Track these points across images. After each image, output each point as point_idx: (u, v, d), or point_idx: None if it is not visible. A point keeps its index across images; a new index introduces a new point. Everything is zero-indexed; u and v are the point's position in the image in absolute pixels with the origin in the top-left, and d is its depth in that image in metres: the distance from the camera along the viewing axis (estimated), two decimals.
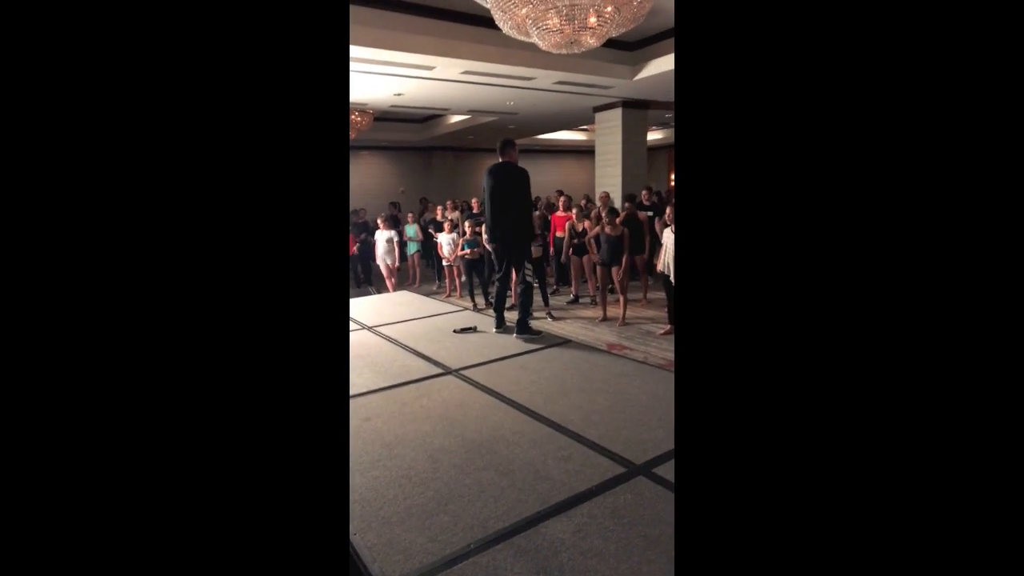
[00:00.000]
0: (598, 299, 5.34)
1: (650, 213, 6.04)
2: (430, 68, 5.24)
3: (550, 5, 3.36)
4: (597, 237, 4.87)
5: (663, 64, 5.72)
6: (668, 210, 4.33)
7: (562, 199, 6.54)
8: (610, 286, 4.98)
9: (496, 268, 4.09)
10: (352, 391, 2.75)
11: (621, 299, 4.76)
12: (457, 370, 3.08)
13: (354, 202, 8.14)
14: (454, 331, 3.99)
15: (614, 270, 4.73)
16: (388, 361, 3.27)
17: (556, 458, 2.01)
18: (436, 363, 3.22)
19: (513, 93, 6.68)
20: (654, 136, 11.59)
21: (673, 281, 4.13)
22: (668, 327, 4.37)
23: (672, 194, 10.85)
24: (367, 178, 11.64)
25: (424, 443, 2.17)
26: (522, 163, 4.05)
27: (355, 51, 4.49)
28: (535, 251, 4.82)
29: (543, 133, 11.12)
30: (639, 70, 5.99)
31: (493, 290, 5.94)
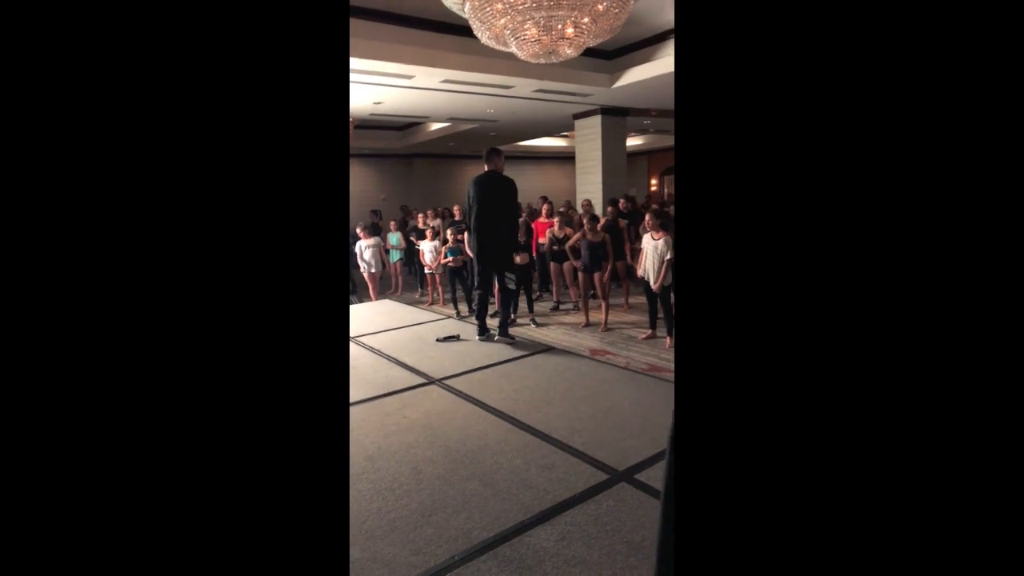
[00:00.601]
0: (579, 305, 5.38)
1: (626, 221, 6.11)
2: (410, 77, 5.25)
3: (527, 16, 3.40)
4: (578, 243, 4.91)
5: (640, 72, 5.81)
6: (647, 216, 4.39)
7: (546, 206, 6.58)
8: (592, 292, 5.02)
9: (478, 275, 4.10)
10: None
11: (603, 304, 4.80)
12: (440, 379, 3.08)
13: None
14: (437, 340, 3.98)
15: (596, 276, 4.77)
16: (370, 372, 3.25)
17: (540, 466, 2.02)
18: (419, 373, 3.21)
19: (493, 101, 6.72)
20: (633, 142, 11.72)
21: (654, 286, 4.18)
22: (649, 332, 4.42)
23: (651, 199, 10.98)
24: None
25: (407, 454, 2.16)
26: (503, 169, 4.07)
27: None
28: (522, 258, 4.84)
29: (524, 140, 11.18)
30: (617, 78, 6.08)
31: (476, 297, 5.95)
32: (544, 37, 3.56)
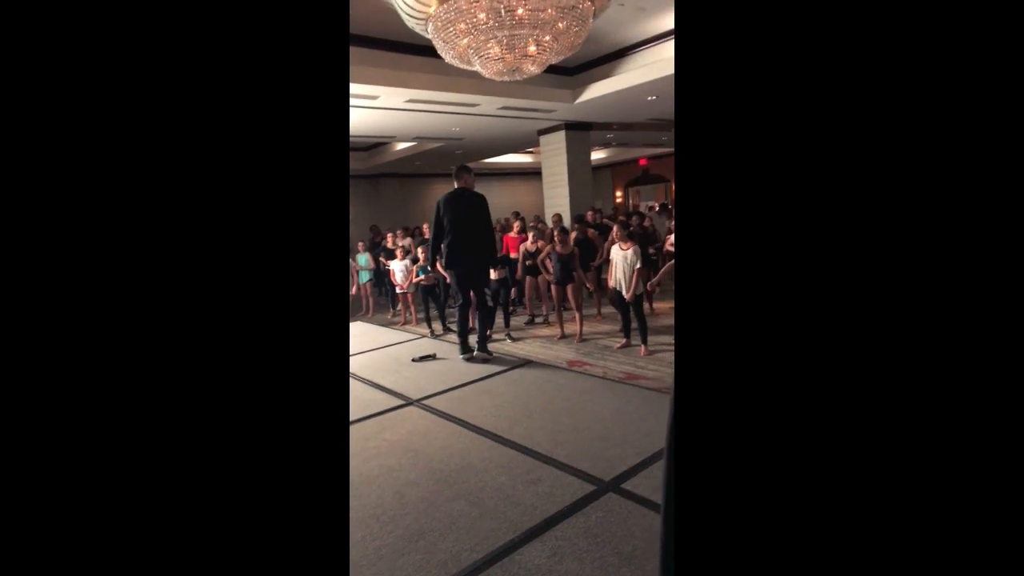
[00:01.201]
0: (551, 319, 5.40)
1: (596, 232, 6.20)
2: (374, 98, 5.24)
3: (490, 35, 3.45)
4: (549, 257, 4.95)
5: (602, 88, 5.96)
6: (615, 228, 4.46)
7: (517, 222, 6.61)
8: (565, 304, 5.06)
9: (456, 294, 4.08)
10: None
11: (577, 316, 4.83)
12: (419, 400, 3.03)
13: None
14: (413, 360, 3.92)
15: (569, 288, 4.81)
16: None
17: (526, 482, 2.00)
18: (397, 394, 3.15)
19: (458, 120, 6.76)
20: (597, 156, 11.96)
21: (626, 296, 4.23)
22: (624, 341, 4.47)
23: (618, 211, 11.18)
24: None
25: (390, 478, 2.11)
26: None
27: None
28: (498, 273, 4.84)
29: (490, 157, 11.27)
30: (579, 93, 6.21)
31: (453, 315, 5.90)
32: (507, 55, 3.62)
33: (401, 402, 3.05)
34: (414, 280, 5.91)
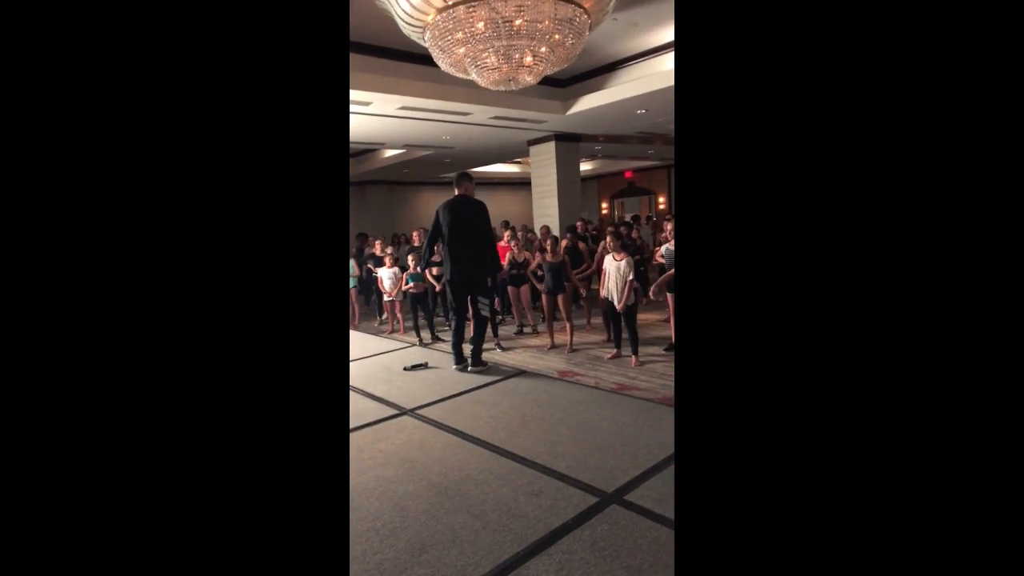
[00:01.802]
0: (539, 328, 5.39)
1: (584, 244, 6.23)
2: (367, 104, 5.21)
3: (487, 45, 3.46)
4: (539, 267, 4.95)
5: (592, 100, 6.02)
6: (608, 238, 4.48)
7: (507, 232, 6.60)
8: (556, 313, 5.06)
9: (453, 303, 4.04)
10: None
11: (567, 326, 4.83)
12: (412, 410, 2.98)
13: None
14: (404, 368, 3.87)
15: (559, 297, 4.81)
16: None
17: (527, 493, 1.98)
18: (390, 404, 3.10)
19: (449, 128, 6.76)
20: (584, 167, 12.06)
21: (618, 307, 4.25)
22: (614, 351, 4.48)
23: (604, 222, 11.26)
24: None
25: (388, 490, 2.07)
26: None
27: None
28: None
29: (478, 166, 11.28)
30: (570, 105, 6.27)
31: (443, 323, 5.86)
32: (504, 65, 3.64)
33: (395, 412, 3.00)
34: (403, 288, 5.85)
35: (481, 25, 3.31)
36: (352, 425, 2.80)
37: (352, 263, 7.17)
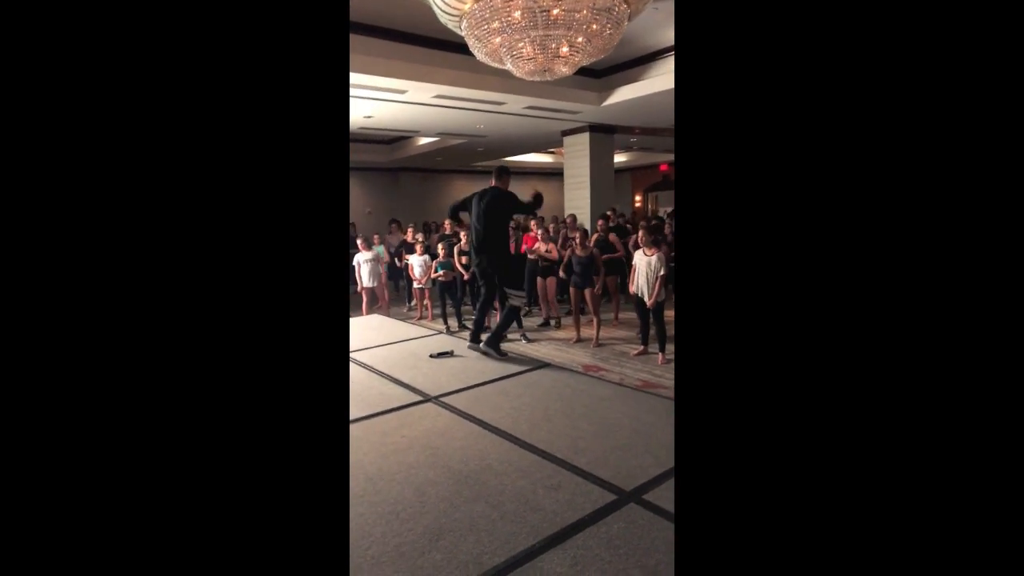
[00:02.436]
0: (557, 321, 5.38)
1: (615, 235, 6.18)
2: (402, 92, 5.26)
3: (523, 35, 3.43)
4: (570, 259, 4.93)
5: (629, 91, 5.92)
6: (640, 232, 4.43)
7: (535, 222, 6.60)
8: (583, 307, 5.04)
9: (481, 286, 4.06)
10: None
11: (594, 320, 4.81)
12: (436, 397, 3.03)
13: None
14: (430, 356, 3.93)
15: (587, 291, 4.78)
16: (363, 388, 3.19)
17: (546, 487, 1.99)
18: (415, 390, 3.16)
19: (483, 117, 6.76)
20: (618, 159, 11.90)
21: (648, 303, 4.20)
22: (641, 348, 4.44)
23: (636, 215, 11.12)
24: None
25: (409, 475, 2.11)
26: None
27: None
28: None
29: (511, 155, 11.26)
30: (606, 97, 6.18)
31: (471, 312, 5.91)
32: (539, 55, 3.60)
33: (419, 398, 3.05)
34: (432, 276, 5.92)
35: (518, 14, 3.29)
36: (377, 410, 2.87)
37: (383, 249, 7.29)
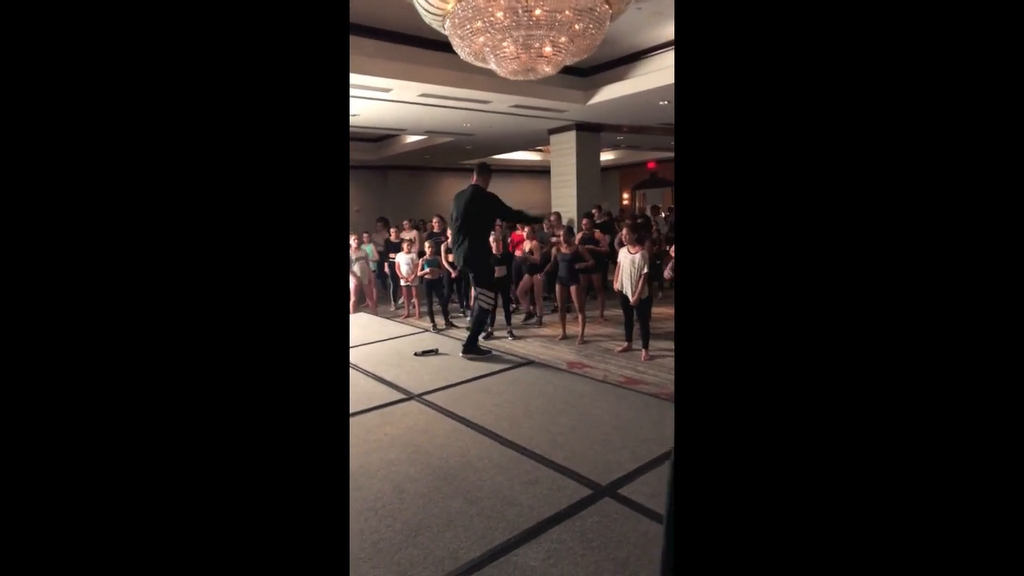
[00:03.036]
0: (544, 319, 5.41)
1: (601, 232, 6.22)
2: (387, 90, 5.25)
3: (506, 34, 3.45)
4: (555, 258, 4.97)
5: (614, 90, 5.95)
6: (624, 231, 4.47)
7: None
8: (568, 304, 5.07)
9: (478, 296, 4.11)
10: None
11: (579, 317, 4.84)
12: (420, 395, 3.05)
13: None
14: (415, 354, 3.95)
15: (572, 288, 4.82)
16: (349, 386, 3.21)
17: (523, 482, 2.02)
18: (398, 388, 3.18)
19: (470, 115, 6.76)
20: (605, 157, 11.94)
21: (632, 300, 4.24)
22: (625, 344, 4.48)
23: (624, 214, 11.17)
24: None
25: (390, 472, 2.14)
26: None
27: None
28: (499, 271, 4.84)
29: (498, 153, 11.25)
30: (592, 95, 6.21)
31: (458, 310, 5.92)
32: (523, 55, 3.62)
33: (402, 396, 3.07)
34: (419, 274, 5.92)
35: (500, 14, 3.30)
36: (361, 408, 2.88)
37: (372, 247, 7.27)
